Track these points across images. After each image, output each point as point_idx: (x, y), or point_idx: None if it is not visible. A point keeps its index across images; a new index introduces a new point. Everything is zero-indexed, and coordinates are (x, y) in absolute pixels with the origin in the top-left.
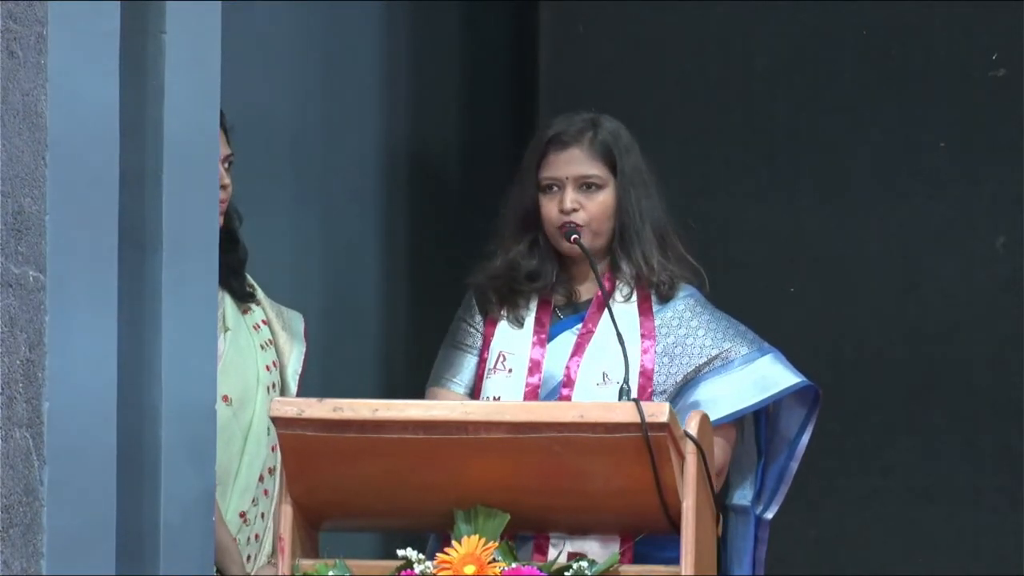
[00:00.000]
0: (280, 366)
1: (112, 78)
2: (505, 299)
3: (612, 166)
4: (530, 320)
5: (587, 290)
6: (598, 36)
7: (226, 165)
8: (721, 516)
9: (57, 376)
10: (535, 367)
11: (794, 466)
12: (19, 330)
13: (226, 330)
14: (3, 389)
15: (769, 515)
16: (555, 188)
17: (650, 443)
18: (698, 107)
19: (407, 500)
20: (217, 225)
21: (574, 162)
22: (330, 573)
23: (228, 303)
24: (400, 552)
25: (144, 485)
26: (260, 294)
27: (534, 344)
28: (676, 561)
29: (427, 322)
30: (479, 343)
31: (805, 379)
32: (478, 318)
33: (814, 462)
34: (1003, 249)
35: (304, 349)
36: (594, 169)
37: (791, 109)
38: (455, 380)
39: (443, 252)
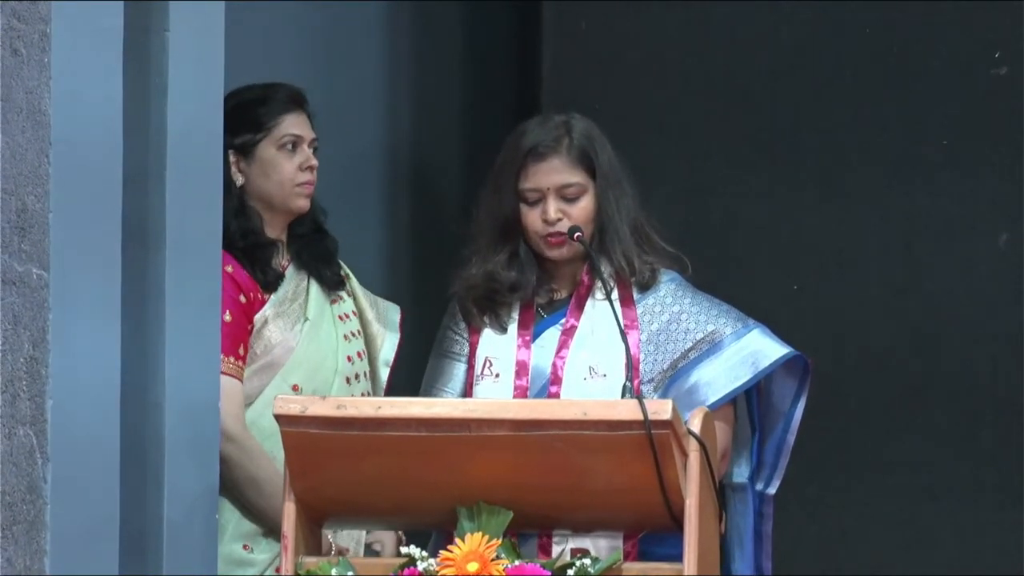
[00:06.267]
0: (370, 355)
1: (115, 76)
2: (486, 309)
3: (590, 169)
4: (513, 324)
5: (566, 287)
6: (600, 34)
7: (312, 149)
8: (724, 513)
9: (60, 374)
10: (522, 369)
11: (791, 439)
12: (23, 328)
13: (305, 320)
14: (6, 387)
15: (772, 490)
16: (536, 198)
17: (653, 440)
18: (700, 105)
19: (410, 497)
20: (220, 222)
21: (554, 172)
22: (333, 571)
23: (314, 292)
24: (403, 549)
25: (147, 483)
26: (355, 284)
27: (519, 347)
28: (678, 557)
29: (430, 320)
30: (466, 350)
31: (793, 350)
32: (463, 325)
33: (815, 461)
34: (1005, 246)
35: (398, 339)
36: (575, 177)
37: (792, 107)
38: (446, 389)
39: (446, 251)
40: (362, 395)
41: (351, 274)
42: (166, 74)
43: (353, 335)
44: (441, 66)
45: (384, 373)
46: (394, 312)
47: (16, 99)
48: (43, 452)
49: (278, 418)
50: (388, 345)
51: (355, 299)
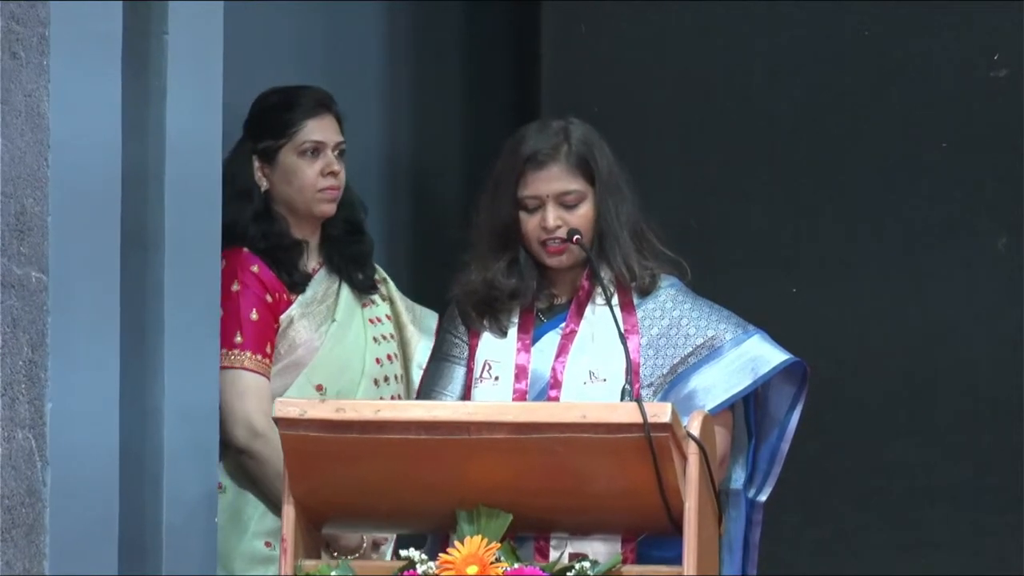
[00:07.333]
0: (404, 358)
1: (114, 79)
2: (486, 314)
3: (589, 176)
4: (513, 328)
5: (566, 292)
6: (599, 36)
7: (336, 153)
8: (723, 516)
9: (59, 377)
10: (521, 373)
11: (785, 447)
12: (21, 331)
13: (332, 321)
14: (5, 390)
15: (762, 497)
16: (536, 205)
17: (652, 443)
18: (699, 107)
19: (409, 501)
20: (219, 225)
21: (553, 179)
22: (333, 573)
23: (344, 294)
24: (403, 552)
25: (146, 486)
26: (392, 288)
27: (519, 350)
28: (675, 561)
29: None
30: (465, 353)
31: (793, 356)
32: (462, 328)
33: (814, 462)
34: (1004, 249)
35: (432, 343)
36: (574, 184)
37: (792, 108)
38: (445, 392)
39: (445, 253)
40: (392, 397)
41: (388, 278)
42: (165, 77)
43: (384, 338)
44: (440, 69)
45: (417, 375)
46: (431, 318)
47: (15, 102)
48: (42, 455)
49: (277, 421)
50: (422, 347)
51: (392, 303)
